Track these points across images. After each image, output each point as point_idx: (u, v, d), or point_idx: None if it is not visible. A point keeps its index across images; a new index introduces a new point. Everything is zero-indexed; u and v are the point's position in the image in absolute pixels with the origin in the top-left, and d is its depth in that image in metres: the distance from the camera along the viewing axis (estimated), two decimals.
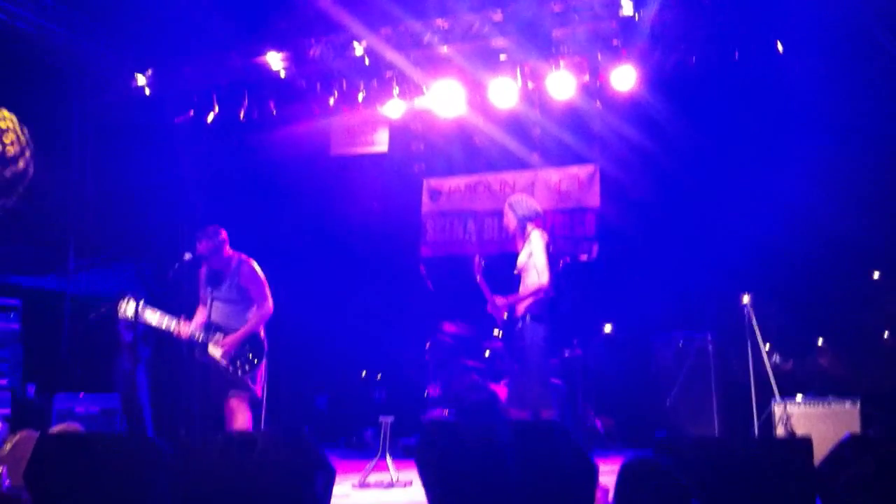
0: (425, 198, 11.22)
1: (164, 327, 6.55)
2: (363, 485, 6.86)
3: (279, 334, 9.28)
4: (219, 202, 10.25)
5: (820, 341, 9.25)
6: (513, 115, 10.05)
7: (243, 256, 6.83)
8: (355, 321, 10.97)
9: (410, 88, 9.67)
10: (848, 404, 7.60)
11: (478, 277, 6.61)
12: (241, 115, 10.04)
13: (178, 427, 6.57)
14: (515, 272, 6.58)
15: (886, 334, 9.22)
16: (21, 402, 8.03)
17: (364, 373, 11.33)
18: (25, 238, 9.23)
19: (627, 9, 8.43)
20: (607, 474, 5.31)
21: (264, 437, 4.96)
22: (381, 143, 10.75)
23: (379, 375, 11.20)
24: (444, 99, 9.51)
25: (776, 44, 8.33)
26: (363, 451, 9.63)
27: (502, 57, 9.26)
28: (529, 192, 10.56)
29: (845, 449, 4.67)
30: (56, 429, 7.27)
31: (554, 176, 10.64)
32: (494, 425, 5.16)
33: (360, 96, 9.72)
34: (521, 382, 6.41)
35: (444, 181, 11.19)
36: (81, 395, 8.35)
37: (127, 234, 9.96)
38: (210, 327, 6.60)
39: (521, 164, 10.78)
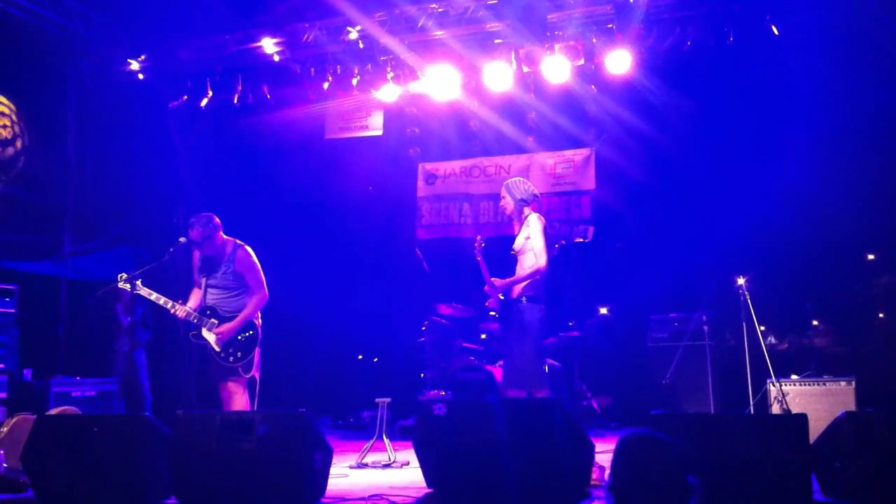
0: (421, 181, 11.23)
1: (160, 304, 6.54)
2: (360, 465, 6.88)
3: (275, 317, 9.28)
4: (214, 186, 10.25)
5: (815, 321, 9.28)
6: (508, 98, 10.04)
7: (238, 242, 6.80)
8: (352, 304, 10.97)
9: (405, 73, 9.66)
10: (843, 383, 7.65)
11: (478, 258, 6.62)
12: (236, 99, 10.04)
13: (177, 408, 6.55)
14: (512, 254, 6.60)
15: (881, 314, 9.26)
16: (18, 385, 8.04)
17: (360, 356, 11.37)
18: (21, 223, 9.21)
19: None
20: (604, 453, 5.35)
21: (263, 417, 4.97)
22: (375, 126, 10.76)
23: (376, 359, 11.24)
24: (439, 83, 9.50)
25: (771, 27, 8.32)
26: (361, 431, 9.66)
27: (497, 41, 9.24)
28: (525, 175, 10.58)
29: (841, 426, 4.71)
30: (53, 412, 7.29)
31: (549, 159, 10.66)
32: (490, 405, 5.18)
33: (355, 81, 9.70)
34: (517, 363, 6.44)
35: (439, 165, 11.20)
36: (78, 378, 8.36)
37: (122, 218, 9.95)
38: (205, 312, 6.58)
39: (516, 148, 10.79)
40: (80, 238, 9.75)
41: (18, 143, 9.28)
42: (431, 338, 9.49)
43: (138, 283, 6.52)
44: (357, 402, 10.53)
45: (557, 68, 9.02)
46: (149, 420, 5.28)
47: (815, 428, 4.68)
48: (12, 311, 8.26)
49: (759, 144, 9.13)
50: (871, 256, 9.40)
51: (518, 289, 6.45)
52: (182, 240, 6.69)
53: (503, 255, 6.80)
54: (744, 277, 8.19)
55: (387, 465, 6.85)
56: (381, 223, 11.28)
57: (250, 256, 6.74)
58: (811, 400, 7.62)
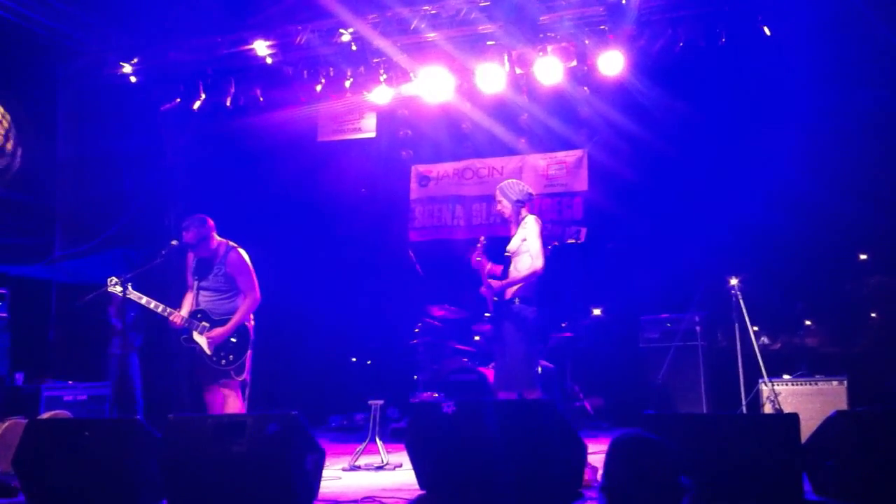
0: (413, 183, 11.24)
1: (151, 307, 6.51)
2: (353, 467, 6.88)
3: (268, 320, 9.26)
4: (206, 189, 10.24)
5: (807, 321, 9.31)
6: (500, 100, 10.04)
7: (231, 244, 6.77)
8: (344, 306, 10.98)
9: (398, 75, 9.66)
10: (835, 383, 7.66)
11: (479, 259, 6.58)
12: (228, 102, 10.02)
13: (168, 412, 6.53)
14: (506, 255, 6.58)
15: (873, 314, 9.28)
16: (9, 390, 8.01)
17: (353, 358, 11.37)
18: (11, 226, 9.18)
19: None
20: (597, 454, 5.35)
21: (254, 419, 4.96)
22: (368, 129, 10.76)
23: (369, 361, 11.24)
24: (431, 85, 9.50)
25: (763, 28, 8.34)
26: (353, 433, 9.65)
27: (490, 43, 9.24)
28: (517, 177, 10.58)
29: (832, 426, 4.72)
30: (44, 416, 7.27)
31: (541, 161, 10.68)
32: (483, 406, 5.18)
33: (348, 83, 9.69)
34: (508, 364, 6.43)
35: (432, 167, 11.21)
36: (70, 382, 8.34)
37: (114, 221, 9.93)
38: (196, 315, 6.56)
39: (508, 150, 10.81)
40: (71, 241, 9.73)
41: (9, 146, 9.26)
42: (424, 340, 9.50)
43: (129, 286, 6.48)
44: (350, 405, 10.53)
45: (549, 70, 9.03)
46: (140, 424, 5.26)
47: (808, 427, 4.70)
48: (3, 314, 8.21)
49: (751, 145, 9.15)
50: (863, 256, 9.43)
51: (511, 290, 6.45)
52: (174, 243, 6.65)
53: (495, 256, 6.78)
54: (736, 278, 8.21)
55: (379, 468, 6.85)
56: (374, 225, 11.29)
57: (242, 258, 6.71)
58: (803, 400, 7.63)
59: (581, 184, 10.40)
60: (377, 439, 7.13)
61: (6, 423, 6.93)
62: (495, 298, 6.46)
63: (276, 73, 9.90)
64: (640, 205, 9.81)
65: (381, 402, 7.30)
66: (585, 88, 9.79)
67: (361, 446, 7.16)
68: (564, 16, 8.86)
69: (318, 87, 9.78)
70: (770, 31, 8.32)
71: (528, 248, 6.42)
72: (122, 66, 9.92)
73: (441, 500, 5.03)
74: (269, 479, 4.79)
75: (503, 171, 10.78)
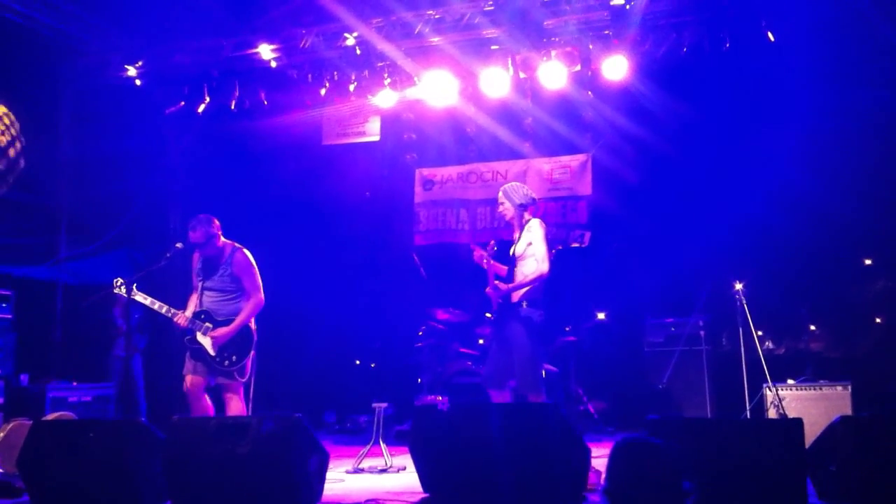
0: (418, 187, 11.24)
1: (155, 308, 6.53)
2: (357, 470, 6.89)
3: (273, 322, 9.26)
4: (210, 190, 10.25)
5: (812, 326, 9.30)
6: (505, 104, 10.04)
7: (237, 245, 6.79)
8: (348, 309, 10.99)
9: (402, 78, 9.67)
10: (839, 388, 7.66)
11: (487, 261, 6.57)
12: (233, 105, 10.03)
13: (172, 413, 6.53)
14: (511, 258, 6.55)
15: (878, 319, 9.28)
16: (15, 390, 8.03)
17: (358, 361, 11.39)
18: (17, 227, 9.21)
19: None
20: (600, 458, 5.35)
21: (258, 421, 4.97)
22: (372, 132, 10.76)
23: (373, 364, 11.25)
24: (436, 89, 9.51)
25: (767, 33, 8.34)
26: (357, 436, 9.66)
27: (494, 47, 9.26)
28: (521, 180, 10.58)
29: (836, 431, 4.71)
30: (49, 417, 7.28)
31: (546, 165, 10.68)
32: (487, 409, 5.19)
33: (352, 86, 9.70)
34: (504, 365, 6.41)
35: (436, 171, 11.21)
36: (75, 383, 8.36)
37: (118, 222, 9.95)
38: (200, 316, 6.57)
39: (513, 154, 10.81)
40: (76, 242, 9.74)
41: (15, 149, 9.28)
42: (428, 343, 9.50)
43: (133, 288, 6.49)
44: (354, 407, 10.54)
45: (554, 74, 9.03)
46: (144, 425, 5.28)
47: (812, 432, 4.69)
48: (8, 316, 8.25)
49: (756, 149, 9.15)
50: (868, 261, 9.43)
51: (518, 294, 6.43)
52: (179, 245, 6.66)
53: (501, 259, 6.78)
54: (741, 282, 8.20)
55: (383, 470, 6.86)
56: (379, 229, 11.30)
57: (248, 259, 6.72)
58: (807, 404, 7.63)
59: (585, 187, 10.40)
60: (381, 442, 7.14)
61: (11, 424, 6.95)
62: (500, 300, 6.45)
63: (280, 77, 9.91)
64: (645, 208, 9.81)
65: (384, 404, 7.31)
66: (590, 93, 9.80)
67: (365, 449, 7.17)
68: (569, 20, 8.86)
69: (323, 91, 9.79)
70: (774, 35, 8.33)
71: (533, 252, 6.41)
72: (127, 69, 9.94)
73: (445, 503, 5.03)
74: (273, 481, 4.80)
75: (507, 174, 10.78)
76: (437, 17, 9.12)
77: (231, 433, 4.94)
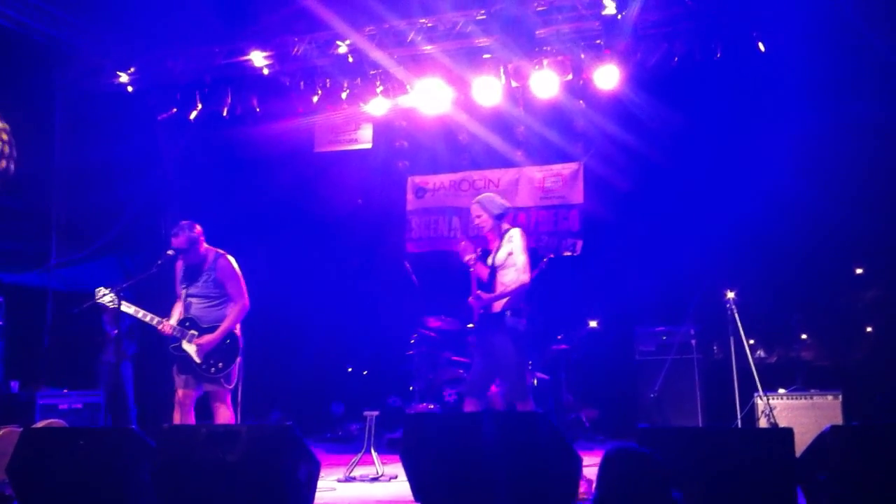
0: (410, 195, 11.25)
1: (139, 317, 6.51)
2: (348, 478, 6.88)
3: (264, 329, 9.27)
4: (202, 197, 10.24)
5: (803, 335, 9.32)
6: (497, 113, 10.07)
7: (220, 251, 6.76)
8: (340, 316, 10.98)
9: (394, 86, 9.68)
10: (830, 397, 7.68)
11: (473, 261, 6.55)
12: (225, 111, 10.03)
13: (161, 421, 6.52)
14: (490, 268, 6.53)
15: (869, 328, 9.31)
16: (4, 397, 8.00)
17: (350, 368, 11.38)
18: (7, 234, 9.18)
19: (610, 8, 8.46)
20: (592, 467, 5.35)
21: (249, 429, 4.96)
22: (365, 140, 10.76)
23: (365, 371, 11.24)
24: (428, 97, 9.53)
25: (758, 43, 8.38)
26: (349, 444, 9.65)
27: (486, 56, 9.28)
28: (514, 189, 10.63)
29: (826, 440, 4.71)
30: (39, 424, 7.25)
31: (538, 173, 10.70)
32: (477, 418, 5.18)
33: (344, 94, 9.71)
34: (485, 375, 6.40)
35: (428, 178, 11.23)
36: (65, 390, 8.33)
37: (109, 228, 9.93)
38: (185, 323, 6.55)
39: (505, 162, 10.83)
40: (67, 248, 9.72)
41: (6, 155, 9.26)
42: (420, 350, 9.50)
43: (117, 297, 6.48)
44: (345, 415, 10.53)
45: (546, 83, 9.06)
46: (135, 433, 5.25)
47: (802, 441, 4.69)
48: None
49: (747, 158, 9.18)
50: (859, 270, 9.46)
51: (501, 303, 6.40)
52: (171, 252, 6.63)
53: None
54: (732, 291, 8.21)
55: (375, 479, 6.86)
56: (370, 236, 11.29)
57: (231, 265, 6.69)
58: (798, 414, 7.65)
59: (577, 196, 10.42)
60: (372, 450, 7.13)
61: (1, 432, 6.91)
62: (482, 311, 6.42)
63: (272, 84, 9.91)
64: (637, 217, 9.84)
65: (376, 412, 7.30)
66: (581, 101, 9.84)
67: (357, 457, 7.16)
68: (561, 30, 8.90)
69: (315, 98, 9.80)
70: (764, 45, 8.37)
71: (514, 262, 6.37)
72: (119, 75, 9.93)
73: None
74: (263, 490, 4.78)
75: (500, 182, 10.80)
76: (429, 25, 9.15)
77: (222, 441, 4.92)
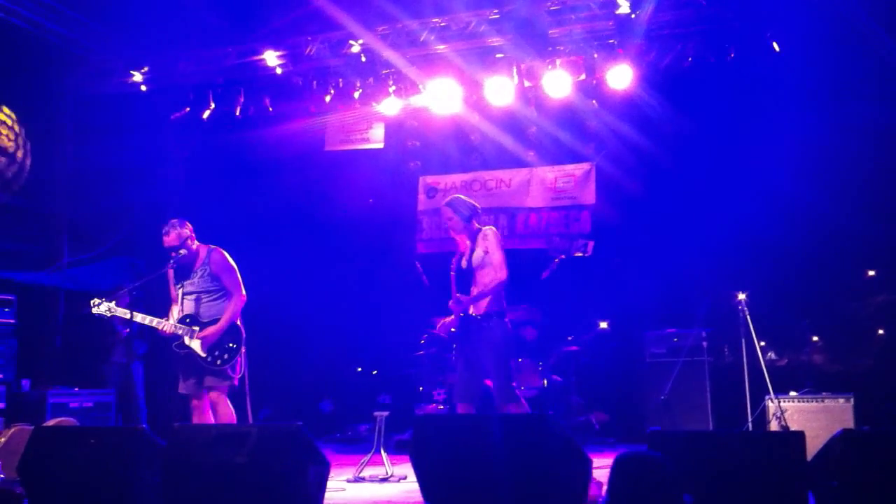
0: (421, 195, 11.24)
1: (138, 320, 6.54)
2: (358, 479, 6.88)
3: (273, 329, 9.27)
4: (212, 198, 10.25)
5: (814, 338, 9.27)
6: (509, 113, 10.06)
7: (212, 246, 6.80)
8: (350, 316, 10.99)
9: (407, 86, 9.67)
10: (842, 400, 7.64)
11: (452, 273, 6.56)
12: (238, 112, 10.04)
13: (169, 420, 6.55)
14: (465, 269, 6.48)
15: (880, 331, 9.25)
16: (16, 396, 8.04)
17: (359, 369, 11.37)
18: (20, 234, 9.23)
19: (624, 7, 8.43)
20: (602, 469, 5.34)
21: (259, 430, 4.96)
22: (376, 139, 10.74)
23: (374, 371, 11.23)
24: (440, 97, 9.51)
25: (772, 43, 8.33)
26: (358, 445, 9.64)
27: (499, 55, 9.26)
28: (525, 189, 10.62)
29: (838, 444, 4.68)
30: (50, 423, 7.28)
31: (550, 174, 10.67)
32: (486, 420, 5.17)
33: (357, 94, 9.70)
34: (472, 379, 6.38)
35: (440, 178, 11.21)
36: (76, 389, 8.35)
37: (120, 228, 9.96)
38: (185, 320, 6.59)
39: (516, 162, 10.80)
40: (78, 248, 9.75)
41: (20, 153, 9.30)
42: (429, 351, 9.49)
43: (112, 304, 6.53)
44: (355, 415, 10.53)
45: (558, 83, 9.04)
46: (145, 432, 5.26)
47: (813, 445, 4.67)
48: (11, 321, 8.27)
49: (759, 161, 9.14)
50: (871, 273, 9.41)
51: (484, 304, 6.36)
52: (183, 252, 6.67)
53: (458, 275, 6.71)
54: (744, 293, 8.18)
55: (384, 479, 6.85)
56: (381, 236, 11.28)
57: (226, 257, 6.74)
58: (809, 417, 7.61)
59: (589, 197, 10.39)
60: (381, 451, 7.12)
61: (12, 430, 6.94)
62: (462, 314, 6.40)
63: (285, 84, 9.92)
64: (648, 218, 9.80)
65: (385, 413, 7.29)
66: (594, 102, 9.80)
67: (366, 458, 7.15)
68: (573, 29, 8.88)
69: (328, 98, 9.80)
70: (779, 46, 8.32)
71: (490, 261, 6.35)
72: (132, 75, 9.95)
73: None
74: (272, 490, 4.78)
75: (511, 183, 10.78)
76: (442, 25, 9.14)
77: (232, 442, 4.92)
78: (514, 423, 5.17)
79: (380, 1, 9.06)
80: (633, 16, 8.49)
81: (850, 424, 7.34)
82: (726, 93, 9.16)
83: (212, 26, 9.52)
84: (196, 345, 6.50)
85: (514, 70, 9.19)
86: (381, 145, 10.80)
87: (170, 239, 6.62)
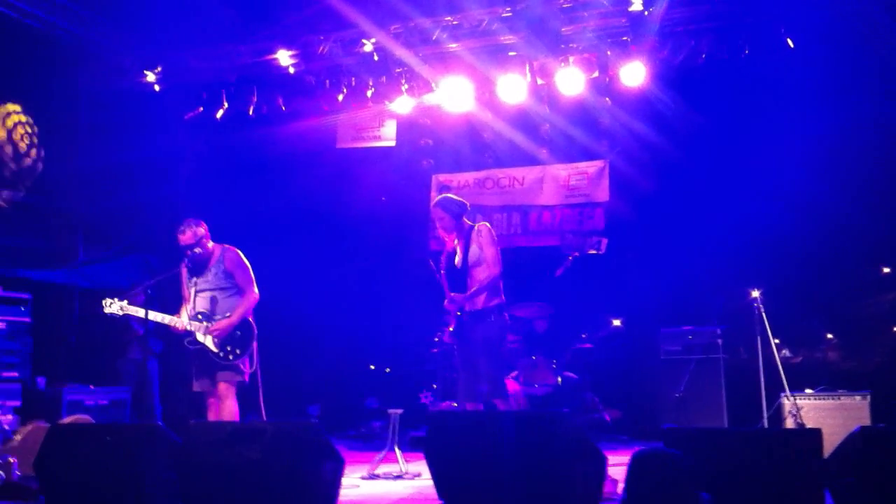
0: (434, 193, 11.22)
1: (149, 318, 6.58)
2: (372, 476, 6.89)
3: (287, 327, 9.28)
4: (225, 197, 10.27)
5: (829, 335, 9.24)
6: (522, 110, 10.04)
7: (226, 246, 6.89)
8: (363, 314, 11.00)
9: (419, 85, 9.67)
10: (858, 398, 7.60)
11: (442, 272, 6.59)
12: (251, 110, 10.06)
13: (188, 417, 6.57)
14: (459, 267, 6.48)
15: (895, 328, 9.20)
16: (32, 394, 8.07)
17: (372, 366, 11.37)
18: (35, 232, 9.27)
19: (637, 4, 8.42)
20: (616, 466, 5.33)
21: (274, 427, 4.97)
22: (388, 137, 10.74)
23: (388, 369, 11.23)
24: (453, 95, 9.51)
25: (786, 40, 8.29)
26: (372, 442, 9.64)
27: (511, 53, 9.24)
28: (538, 187, 10.62)
29: (855, 442, 4.66)
30: (66, 420, 7.31)
31: (563, 171, 10.66)
32: (500, 417, 5.17)
33: (369, 92, 9.70)
34: (473, 376, 6.39)
35: (452, 176, 11.21)
36: (91, 387, 8.39)
37: (135, 228, 9.99)
38: (197, 317, 6.63)
39: (530, 160, 10.79)
40: (93, 247, 9.79)
41: (34, 152, 9.35)
42: (443, 349, 9.49)
43: (124, 303, 6.58)
44: (368, 413, 10.52)
45: (571, 80, 9.03)
46: (161, 429, 5.28)
47: (830, 443, 4.65)
48: (26, 319, 8.29)
49: (772, 157, 9.10)
50: (886, 269, 9.36)
51: (482, 300, 6.40)
52: (198, 251, 6.72)
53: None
54: (758, 290, 8.16)
55: (398, 477, 6.86)
56: (394, 234, 11.28)
57: (240, 255, 6.85)
58: (825, 414, 7.57)
59: (602, 194, 10.37)
60: (396, 448, 7.13)
61: (28, 427, 6.98)
62: (458, 313, 6.41)
63: (298, 83, 9.92)
64: (662, 215, 9.77)
65: (400, 410, 7.31)
66: (607, 99, 9.77)
67: (380, 455, 7.16)
68: (587, 27, 8.85)
69: (340, 97, 9.81)
70: (793, 42, 8.28)
71: (485, 258, 6.40)
72: (146, 74, 9.97)
73: None
74: (288, 487, 4.79)
75: (524, 181, 10.77)
76: (454, 23, 9.13)
77: (247, 438, 4.93)
78: (530, 421, 5.17)
79: None
80: (646, 13, 8.46)
81: (867, 422, 7.31)
82: (740, 89, 9.12)
83: (225, 25, 9.54)
84: (209, 340, 6.57)
85: (527, 68, 9.17)
86: (392, 143, 10.81)
87: (185, 237, 6.68)
